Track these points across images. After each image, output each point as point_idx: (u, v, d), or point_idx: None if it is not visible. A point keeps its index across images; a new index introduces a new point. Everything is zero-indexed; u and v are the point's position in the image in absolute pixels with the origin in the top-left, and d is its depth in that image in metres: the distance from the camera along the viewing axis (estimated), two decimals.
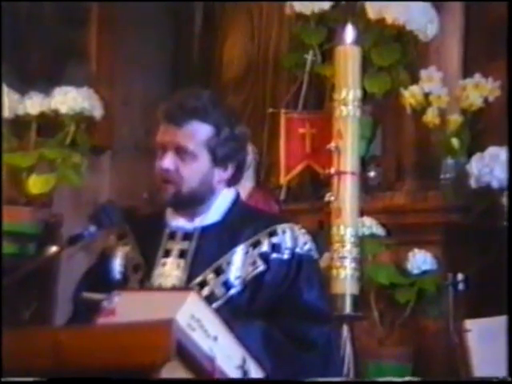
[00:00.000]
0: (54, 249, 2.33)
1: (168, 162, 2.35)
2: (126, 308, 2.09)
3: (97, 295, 2.15)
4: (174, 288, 2.34)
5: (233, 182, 2.45)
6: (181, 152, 2.36)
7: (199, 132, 2.36)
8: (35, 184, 3.87)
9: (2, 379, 2.04)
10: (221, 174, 2.41)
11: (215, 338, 2.06)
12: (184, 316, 2.02)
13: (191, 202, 2.39)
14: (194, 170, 2.36)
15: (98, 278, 2.44)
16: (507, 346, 2.58)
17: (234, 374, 2.09)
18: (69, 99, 3.87)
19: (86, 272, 2.52)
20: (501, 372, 2.84)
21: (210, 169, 2.38)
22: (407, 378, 3.16)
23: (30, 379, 2.02)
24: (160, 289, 2.35)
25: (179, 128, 2.35)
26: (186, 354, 2.00)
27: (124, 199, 3.61)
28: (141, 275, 2.41)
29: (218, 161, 2.38)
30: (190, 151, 2.35)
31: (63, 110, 3.87)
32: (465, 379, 2.94)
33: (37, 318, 3.74)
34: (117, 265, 2.44)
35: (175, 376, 2.00)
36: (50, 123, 3.93)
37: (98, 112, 3.95)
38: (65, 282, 3.60)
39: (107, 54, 4.29)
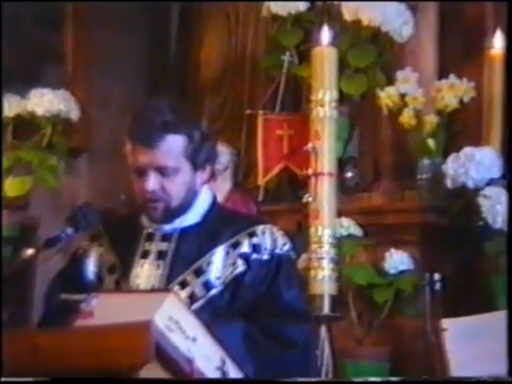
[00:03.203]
0: (30, 251, 2.31)
1: (152, 183, 2.33)
2: (104, 310, 2.08)
3: (75, 296, 2.15)
4: (152, 289, 2.33)
5: (210, 178, 2.45)
6: (162, 171, 2.33)
7: (175, 146, 2.33)
8: (11, 186, 3.85)
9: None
10: (201, 177, 2.41)
11: (194, 340, 2.07)
12: (162, 317, 2.02)
13: (179, 211, 2.39)
14: (180, 183, 2.35)
15: (71, 279, 2.43)
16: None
17: (212, 375, 2.09)
18: (45, 101, 3.85)
19: (58, 273, 2.51)
20: (477, 371, 2.86)
21: (192, 175, 2.38)
22: (390, 378, 3.17)
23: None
24: (138, 290, 2.35)
25: (155, 149, 2.31)
26: (164, 355, 2.00)
27: (101, 201, 3.60)
28: (117, 276, 2.41)
29: (197, 166, 2.38)
30: (172, 167, 2.34)
31: (40, 112, 3.86)
32: (441, 379, 2.96)
33: (14, 321, 3.72)
34: (90, 265, 2.43)
35: (153, 377, 2.00)
36: (26, 125, 3.91)
37: (74, 114, 3.93)
38: (42, 285, 3.58)
39: (83, 56, 4.27)
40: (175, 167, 2.34)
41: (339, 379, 3.26)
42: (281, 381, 2.23)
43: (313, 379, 2.31)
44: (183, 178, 2.36)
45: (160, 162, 2.32)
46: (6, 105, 3.89)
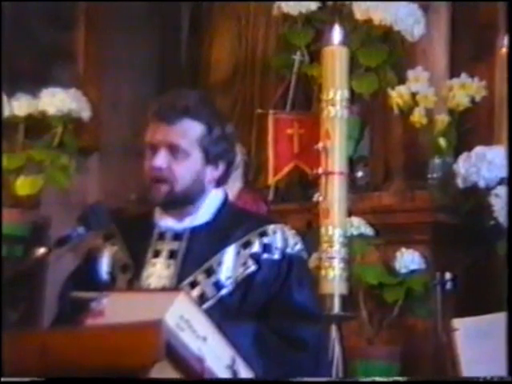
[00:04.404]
0: (41, 250, 2.32)
1: (161, 160, 2.34)
2: (115, 309, 2.09)
3: (86, 294, 2.15)
4: (162, 289, 2.34)
5: (221, 181, 2.45)
6: (173, 150, 2.35)
7: (191, 130, 2.36)
8: (23, 186, 3.86)
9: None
10: (212, 173, 2.41)
11: (204, 339, 2.07)
12: (173, 317, 2.02)
13: (183, 201, 2.39)
14: (187, 168, 2.36)
15: (85, 279, 2.43)
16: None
17: (223, 374, 2.09)
18: (56, 100, 3.86)
19: (72, 273, 2.52)
20: (489, 371, 2.85)
21: (202, 167, 2.38)
22: (400, 378, 3.17)
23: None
24: (149, 290, 2.35)
25: (171, 126, 2.35)
26: (174, 354, 2.00)
27: (112, 200, 3.61)
28: (129, 276, 2.41)
29: (209, 159, 2.39)
30: (183, 149, 2.35)
31: (51, 111, 3.86)
32: (453, 379, 2.95)
33: (25, 320, 3.73)
34: (104, 265, 2.44)
35: (164, 376, 2.00)
36: (37, 125, 3.92)
37: (85, 113, 3.94)
38: (53, 284, 3.59)
39: (94, 56, 4.28)
40: (186, 150, 2.34)
41: (350, 379, 3.25)
42: (285, 381, 2.22)
43: (319, 379, 2.30)
44: (192, 165, 2.36)
45: (173, 140, 2.34)
46: (17, 104, 3.90)
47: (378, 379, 3.05)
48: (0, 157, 3.79)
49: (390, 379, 3.05)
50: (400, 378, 3.13)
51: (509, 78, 3.38)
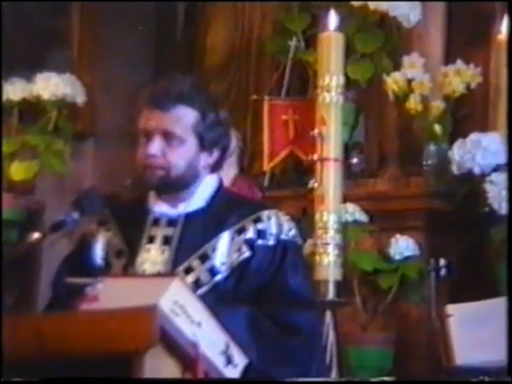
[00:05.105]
0: (36, 235, 2.32)
1: (155, 147, 2.34)
2: (109, 294, 2.09)
3: (81, 279, 2.15)
4: (157, 274, 2.34)
5: (216, 167, 2.45)
6: (168, 137, 2.35)
7: (186, 116, 2.35)
8: (17, 171, 3.85)
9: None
10: (206, 159, 2.41)
11: (199, 324, 2.07)
12: (167, 302, 2.02)
13: (177, 187, 2.39)
14: (182, 155, 2.36)
15: (79, 264, 2.43)
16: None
17: (217, 359, 2.10)
18: (51, 85, 3.85)
19: (66, 258, 2.51)
20: (482, 357, 2.86)
21: (197, 153, 2.38)
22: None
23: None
24: (143, 275, 2.35)
25: (166, 113, 2.34)
26: (169, 340, 2.00)
27: (107, 185, 3.60)
28: (124, 261, 2.41)
29: (204, 145, 2.38)
30: (178, 136, 2.35)
31: (45, 95, 3.85)
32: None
33: (20, 305, 3.73)
34: (98, 250, 2.43)
35: (159, 362, 2.01)
36: (32, 109, 3.91)
37: (80, 98, 3.93)
38: (47, 269, 3.59)
39: (89, 40, 4.26)
40: (181, 137, 2.34)
41: (343, 365, 3.26)
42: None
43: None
44: (186, 152, 2.35)
45: (168, 127, 2.33)
46: (11, 89, 3.88)
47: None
48: (0, 144, 3.77)
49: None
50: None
51: (508, 64, 3.37)
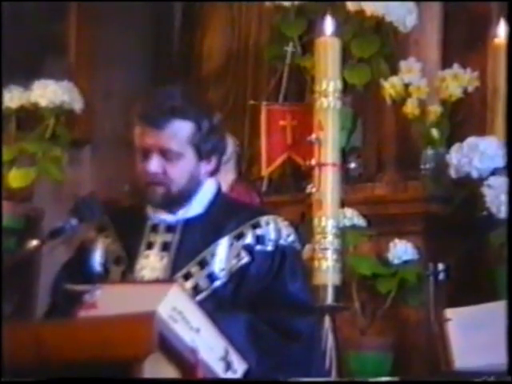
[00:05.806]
0: (34, 242, 2.32)
1: (154, 164, 2.34)
2: (108, 301, 2.09)
3: (80, 286, 2.15)
4: (155, 280, 2.34)
5: (214, 172, 2.45)
6: (166, 153, 2.34)
7: (181, 130, 2.35)
8: (15, 178, 3.86)
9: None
10: (206, 167, 2.41)
11: (198, 330, 2.07)
12: (166, 308, 2.02)
13: (180, 200, 2.39)
14: (182, 169, 2.36)
15: (78, 271, 2.43)
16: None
17: (216, 365, 2.10)
18: (48, 92, 3.85)
19: (64, 264, 2.51)
20: (481, 361, 2.86)
21: (196, 164, 2.38)
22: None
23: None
24: (142, 281, 2.35)
25: (160, 130, 2.33)
26: (168, 346, 2.01)
27: (105, 192, 3.61)
28: (123, 268, 2.41)
29: (202, 155, 2.39)
30: (175, 151, 2.34)
31: (43, 103, 3.86)
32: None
33: (19, 312, 3.73)
34: (97, 257, 2.43)
35: (158, 368, 2.01)
36: (29, 116, 3.91)
37: (78, 105, 3.93)
38: (46, 276, 3.59)
39: (87, 47, 4.27)
40: (179, 152, 2.34)
41: (342, 369, 3.26)
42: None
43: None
44: (186, 165, 2.36)
45: (165, 144, 2.33)
46: (9, 96, 3.89)
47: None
48: (0, 151, 3.77)
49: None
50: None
51: (508, 68, 3.37)
